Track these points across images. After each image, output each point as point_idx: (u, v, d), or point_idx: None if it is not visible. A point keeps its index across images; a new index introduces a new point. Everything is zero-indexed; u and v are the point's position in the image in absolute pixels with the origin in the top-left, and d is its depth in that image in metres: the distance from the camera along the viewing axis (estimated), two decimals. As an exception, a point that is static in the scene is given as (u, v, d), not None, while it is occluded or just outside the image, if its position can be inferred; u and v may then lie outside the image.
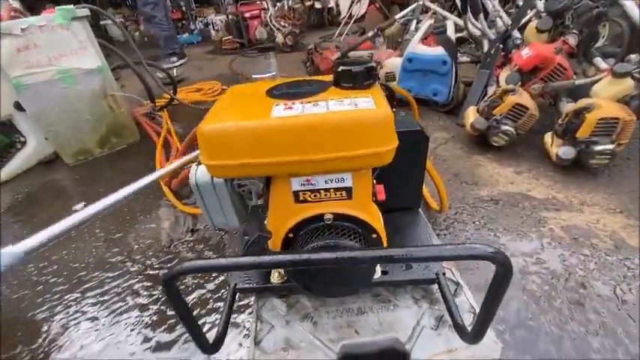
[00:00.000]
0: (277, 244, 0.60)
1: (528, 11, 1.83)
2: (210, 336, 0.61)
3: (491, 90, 1.68)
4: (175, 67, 3.54)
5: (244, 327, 0.89)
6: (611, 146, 1.25)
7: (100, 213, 0.83)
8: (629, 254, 1.02)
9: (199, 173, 0.61)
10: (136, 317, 0.98)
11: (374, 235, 0.59)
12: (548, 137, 1.45)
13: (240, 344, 0.86)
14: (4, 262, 0.60)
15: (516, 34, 1.75)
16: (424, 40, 2.02)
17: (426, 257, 0.46)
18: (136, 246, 1.25)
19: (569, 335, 0.82)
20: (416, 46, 1.97)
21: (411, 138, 0.81)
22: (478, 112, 1.57)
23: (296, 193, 0.56)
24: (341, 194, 0.56)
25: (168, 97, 2.24)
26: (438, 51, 1.87)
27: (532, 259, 1.03)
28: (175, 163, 0.95)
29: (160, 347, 0.89)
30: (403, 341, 0.68)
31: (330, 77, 0.61)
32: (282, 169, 0.51)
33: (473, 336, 0.55)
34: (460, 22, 2.07)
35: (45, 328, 0.98)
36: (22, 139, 1.92)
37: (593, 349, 0.79)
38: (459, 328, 0.63)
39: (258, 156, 0.49)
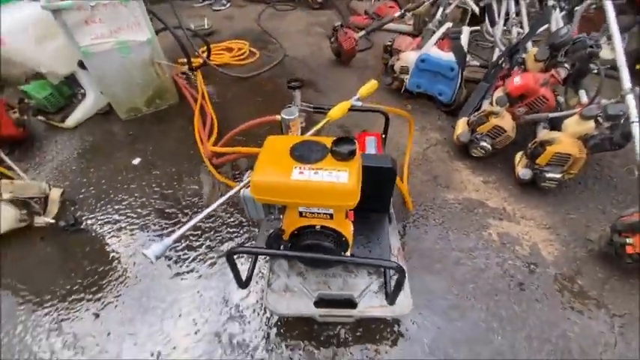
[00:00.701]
0: (287, 236, 1.01)
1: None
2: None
3: (485, 104, 1.92)
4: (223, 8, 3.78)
5: (262, 274, 1.36)
6: (558, 175, 1.56)
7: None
8: (535, 260, 1.41)
9: (247, 192, 0.99)
10: (188, 256, 1.46)
11: (344, 239, 0.99)
12: (518, 156, 1.75)
13: (257, 283, 1.34)
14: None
15: (527, 46, 1.92)
16: (440, 41, 2.18)
17: (357, 262, 0.86)
18: (184, 202, 1.69)
19: (474, 305, 1.26)
20: (430, 49, 2.14)
21: (383, 172, 1.15)
22: (468, 123, 1.84)
23: (300, 212, 0.94)
24: (326, 216, 0.94)
25: (203, 56, 2.52)
26: (449, 57, 2.06)
27: (466, 254, 1.43)
28: (233, 190, 1.20)
29: (205, 276, 1.38)
30: (356, 296, 1.12)
31: (329, 142, 0.94)
32: (294, 204, 0.90)
33: (389, 301, 0.98)
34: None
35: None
36: (82, 91, 2.28)
37: (494, 315, 1.23)
38: (387, 295, 1.06)
39: (283, 197, 0.86)
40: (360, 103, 1.36)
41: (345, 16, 3.71)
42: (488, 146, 1.74)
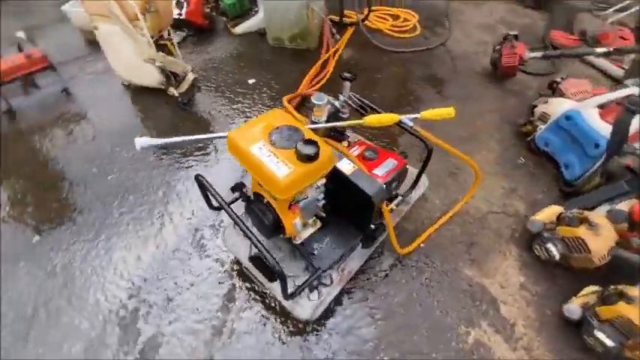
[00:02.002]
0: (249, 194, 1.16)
1: None
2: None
3: (600, 210, 1.41)
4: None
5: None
6: (612, 344, 1.12)
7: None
8: None
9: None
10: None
11: (280, 224, 1.07)
12: (588, 290, 1.29)
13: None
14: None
15: None
16: (610, 105, 1.60)
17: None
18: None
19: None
20: (589, 108, 1.61)
21: (363, 196, 1.10)
22: (558, 217, 1.43)
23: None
24: (271, 195, 1.02)
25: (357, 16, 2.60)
26: (601, 130, 1.52)
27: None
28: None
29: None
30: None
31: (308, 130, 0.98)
32: (248, 171, 1.01)
33: (285, 296, 1.05)
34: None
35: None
36: (256, 9, 2.75)
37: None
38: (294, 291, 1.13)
39: (241, 161, 0.98)
40: (411, 123, 1.26)
41: (560, 25, 2.97)
42: (556, 253, 1.34)
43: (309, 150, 0.91)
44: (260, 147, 0.96)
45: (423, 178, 1.57)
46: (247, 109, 2.12)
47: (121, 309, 1.32)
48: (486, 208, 1.65)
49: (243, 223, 0.99)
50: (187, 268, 1.43)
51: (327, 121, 1.26)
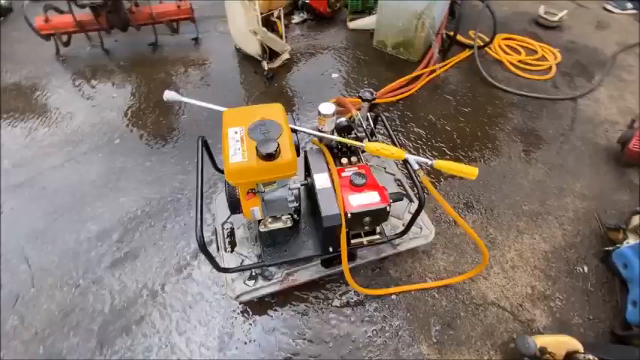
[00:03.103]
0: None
1: None
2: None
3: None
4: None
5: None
6: None
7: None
8: None
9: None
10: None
11: (239, 206, 1.14)
12: None
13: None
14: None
15: None
16: None
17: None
18: (308, 118, 2.09)
19: None
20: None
21: (320, 218, 1.07)
22: (569, 356, 1.09)
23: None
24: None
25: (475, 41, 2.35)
26: None
27: None
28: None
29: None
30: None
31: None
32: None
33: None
34: None
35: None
36: (375, 10, 2.75)
37: None
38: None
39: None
40: (416, 166, 1.15)
41: None
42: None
43: (265, 148, 0.95)
44: (236, 131, 1.04)
45: (428, 231, 1.41)
46: (316, 100, 2.19)
47: (135, 217, 1.65)
48: (493, 298, 1.37)
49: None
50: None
51: (332, 134, 1.25)
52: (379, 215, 1.15)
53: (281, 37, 2.43)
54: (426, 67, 2.39)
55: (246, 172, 0.98)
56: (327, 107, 1.18)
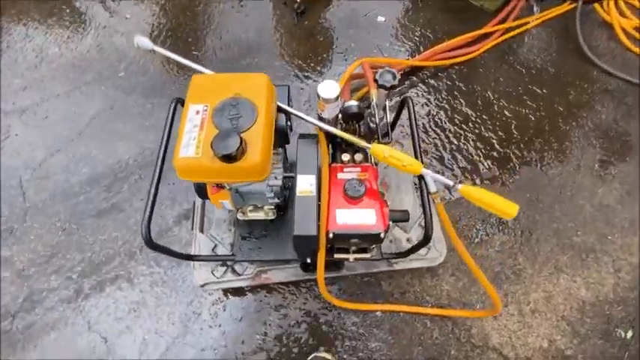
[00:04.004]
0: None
1: None
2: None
3: None
4: None
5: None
6: None
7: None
8: None
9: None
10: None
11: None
12: None
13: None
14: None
15: None
16: None
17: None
18: (334, 75, 1.73)
19: None
20: None
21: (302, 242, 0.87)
22: None
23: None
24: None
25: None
26: None
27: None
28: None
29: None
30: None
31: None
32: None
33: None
34: None
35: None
36: None
37: None
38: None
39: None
40: (433, 188, 0.86)
41: None
42: None
43: (221, 147, 0.71)
44: (198, 111, 0.80)
45: (438, 253, 1.16)
46: (350, 51, 1.80)
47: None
48: (496, 343, 1.15)
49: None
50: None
51: (336, 121, 0.96)
52: (371, 239, 0.92)
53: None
54: (502, 21, 1.82)
55: (197, 172, 0.77)
56: (330, 88, 0.87)
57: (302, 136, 0.98)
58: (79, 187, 1.47)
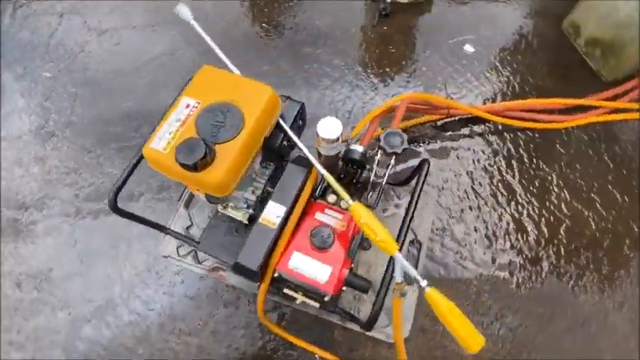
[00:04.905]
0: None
1: None
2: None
3: None
4: None
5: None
6: None
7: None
8: None
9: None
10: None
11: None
12: None
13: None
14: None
15: None
16: None
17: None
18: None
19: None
20: None
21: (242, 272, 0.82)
22: None
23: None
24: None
25: None
26: None
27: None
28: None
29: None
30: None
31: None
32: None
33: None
34: None
35: None
36: None
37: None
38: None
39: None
40: (399, 278, 0.76)
41: None
42: None
43: (182, 155, 0.68)
44: (189, 104, 0.77)
45: (406, 324, 1.04)
46: (417, 75, 1.62)
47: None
48: None
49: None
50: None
51: (336, 159, 0.86)
52: (317, 295, 0.84)
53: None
54: (614, 98, 1.48)
55: (162, 167, 0.75)
56: (331, 127, 0.77)
57: (295, 160, 0.91)
58: (117, 117, 1.58)
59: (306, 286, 0.83)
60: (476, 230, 1.30)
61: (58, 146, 1.53)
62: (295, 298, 0.97)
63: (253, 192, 0.91)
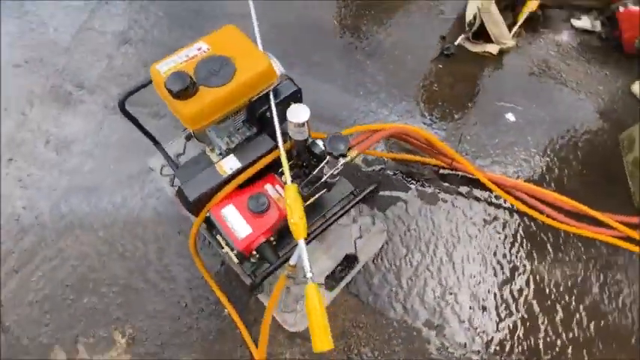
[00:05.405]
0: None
1: None
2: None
3: None
4: None
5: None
6: None
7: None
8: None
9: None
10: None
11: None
12: None
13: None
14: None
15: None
16: None
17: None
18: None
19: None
20: None
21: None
22: None
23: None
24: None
25: None
26: None
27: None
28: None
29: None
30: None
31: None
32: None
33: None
34: None
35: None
36: None
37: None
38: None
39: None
40: (294, 258, 0.83)
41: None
42: None
43: (169, 82, 0.81)
44: (201, 48, 0.90)
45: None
46: (439, 120, 1.62)
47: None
48: None
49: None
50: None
51: (304, 144, 0.94)
52: (231, 248, 0.94)
53: (511, 26, 1.71)
54: (634, 226, 1.36)
55: (157, 86, 0.89)
56: (299, 112, 0.86)
57: (270, 134, 1.01)
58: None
59: (225, 236, 0.93)
60: (424, 283, 1.29)
61: (129, 52, 1.80)
62: (223, 247, 1.08)
63: (227, 143, 1.03)
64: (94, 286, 1.28)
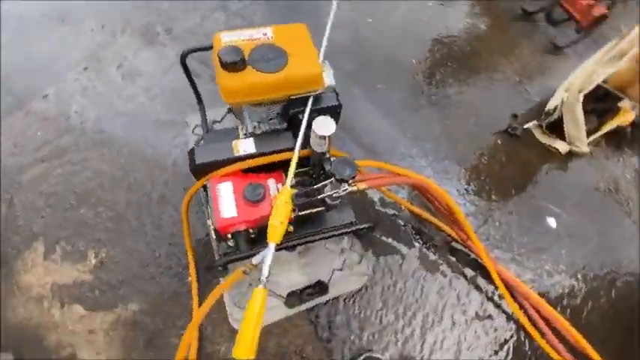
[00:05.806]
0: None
1: None
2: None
3: None
4: None
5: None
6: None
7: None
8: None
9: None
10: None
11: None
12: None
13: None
14: None
15: None
16: None
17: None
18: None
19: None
20: None
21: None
22: None
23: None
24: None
25: None
26: None
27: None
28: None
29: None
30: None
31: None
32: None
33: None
34: None
35: None
36: None
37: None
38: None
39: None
40: (258, 258, 0.82)
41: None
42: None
43: (222, 52, 0.85)
44: (266, 33, 0.94)
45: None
46: (497, 210, 1.49)
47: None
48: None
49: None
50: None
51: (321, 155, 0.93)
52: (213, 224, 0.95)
53: (592, 132, 1.58)
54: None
55: (214, 52, 0.93)
56: (325, 126, 0.86)
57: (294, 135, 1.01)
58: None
59: (211, 209, 0.94)
60: (385, 347, 1.20)
61: (220, 19, 1.94)
62: (208, 218, 1.10)
63: (255, 127, 1.05)
64: (94, 202, 1.37)
